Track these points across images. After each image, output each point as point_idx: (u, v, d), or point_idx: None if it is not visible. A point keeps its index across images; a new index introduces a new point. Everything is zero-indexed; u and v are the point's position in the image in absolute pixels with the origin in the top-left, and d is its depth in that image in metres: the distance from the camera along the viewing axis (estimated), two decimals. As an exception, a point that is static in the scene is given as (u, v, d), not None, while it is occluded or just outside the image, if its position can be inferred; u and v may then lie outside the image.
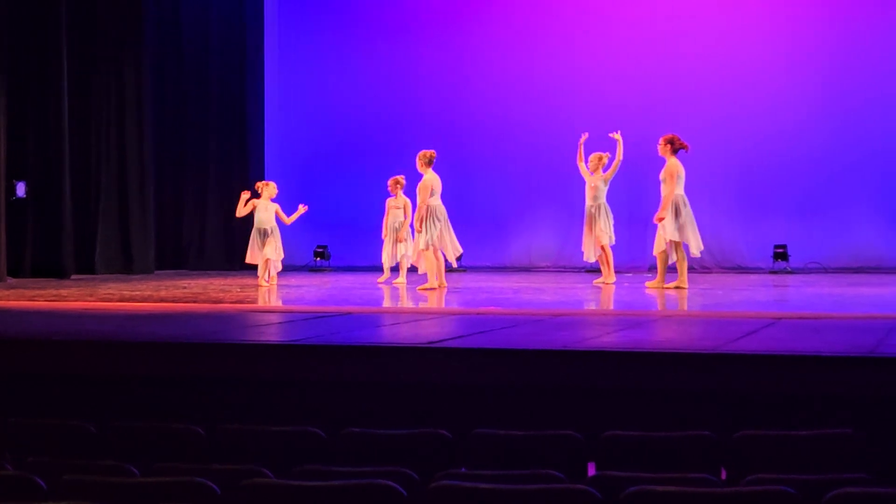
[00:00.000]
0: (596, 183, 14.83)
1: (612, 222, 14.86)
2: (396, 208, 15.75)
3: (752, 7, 18.36)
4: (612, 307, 12.14)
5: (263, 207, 15.26)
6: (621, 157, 14.69)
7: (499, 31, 19.15)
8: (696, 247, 13.78)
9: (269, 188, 15.42)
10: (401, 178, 15.80)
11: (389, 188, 15.80)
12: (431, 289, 13.98)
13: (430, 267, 14.15)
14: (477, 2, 19.39)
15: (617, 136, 14.70)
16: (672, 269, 13.93)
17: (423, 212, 14.12)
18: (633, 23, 18.59)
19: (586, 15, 18.83)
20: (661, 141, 14.03)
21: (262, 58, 19.83)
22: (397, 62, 19.48)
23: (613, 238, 14.93)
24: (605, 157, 14.94)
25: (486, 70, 19.16)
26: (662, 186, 13.84)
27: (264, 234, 15.20)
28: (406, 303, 12.81)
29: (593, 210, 14.80)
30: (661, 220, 13.76)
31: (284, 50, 19.99)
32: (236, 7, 19.75)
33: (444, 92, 19.28)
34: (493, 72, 19.13)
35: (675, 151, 13.90)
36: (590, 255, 15.02)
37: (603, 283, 14.83)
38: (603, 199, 14.83)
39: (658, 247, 13.90)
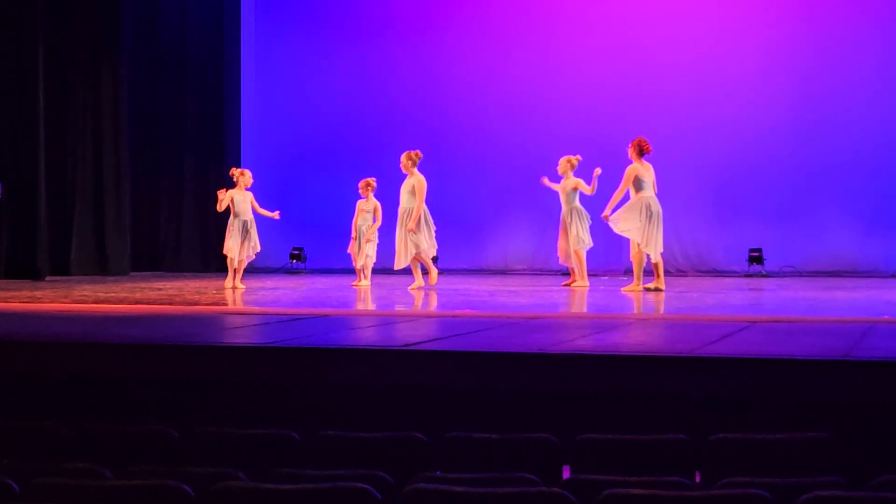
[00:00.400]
0: (565, 186, 14.94)
1: (587, 225, 14.91)
2: (366, 211, 15.59)
3: (728, 14, 18.41)
4: (587, 310, 12.15)
5: (241, 197, 14.91)
6: (593, 191, 14.74)
7: (475, 34, 19.16)
8: (653, 251, 13.87)
9: (244, 177, 15.03)
10: (372, 181, 15.65)
11: (360, 190, 15.67)
12: (421, 287, 14.18)
13: (427, 266, 14.52)
14: (453, 5, 19.39)
15: (597, 171, 14.73)
16: (648, 273, 14.00)
17: (422, 213, 14.29)
18: (610, 28, 18.62)
19: (562, 19, 18.86)
20: (629, 144, 14.17)
21: (238, 60, 19.80)
22: (373, 65, 19.47)
23: (590, 241, 14.98)
24: (575, 159, 15.02)
25: (462, 73, 19.17)
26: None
27: (244, 227, 14.88)
28: (382, 305, 12.81)
29: (566, 214, 14.89)
30: (604, 216, 14.01)
31: (261, 52, 19.96)
32: (213, 9, 19.71)
33: (419, 95, 19.29)
34: (469, 74, 19.14)
35: (640, 154, 14.05)
36: (564, 259, 15.11)
37: (572, 285, 14.90)
38: (576, 203, 14.89)
39: (633, 250, 14.00)
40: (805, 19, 18.17)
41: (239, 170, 15.29)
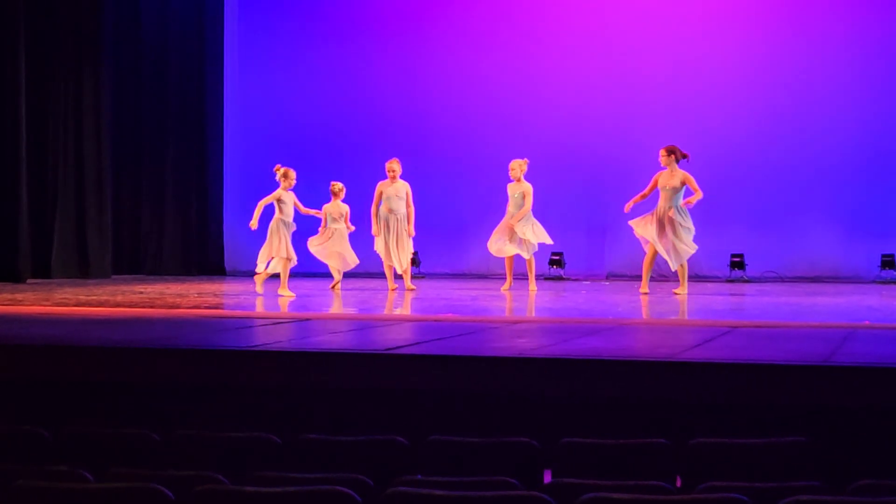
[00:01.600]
0: (515, 189, 15.26)
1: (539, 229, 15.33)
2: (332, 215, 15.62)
3: (711, 22, 18.43)
4: (569, 315, 12.16)
5: (289, 198, 14.39)
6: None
7: (457, 38, 19.15)
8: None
9: (289, 178, 14.41)
10: (338, 186, 15.61)
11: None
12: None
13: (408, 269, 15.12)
14: (435, 9, 19.38)
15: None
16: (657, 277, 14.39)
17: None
18: (593, 34, 18.62)
19: (545, 25, 18.86)
20: (662, 152, 14.58)
21: (221, 63, 19.74)
22: (356, 69, 19.44)
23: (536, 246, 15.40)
24: (525, 163, 15.22)
25: (444, 76, 19.16)
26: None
27: (289, 230, 14.38)
28: (364, 309, 12.81)
29: (519, 216, 15.21)
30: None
31: (243, 56, 19.92)
32: (195, 13, 19.65)
33: (403, 99, 19.27)
34: (452, 78, 19.13)
35: (677, 161, 14.50)
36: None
37: (506, 289, 15.26)
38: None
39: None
40: (787, 28, 18.21)
41: (284, 168, 14.62)
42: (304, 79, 19.58)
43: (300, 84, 19.59)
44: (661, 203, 14.28)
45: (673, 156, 14.46)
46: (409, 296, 14.26)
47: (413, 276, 17.81)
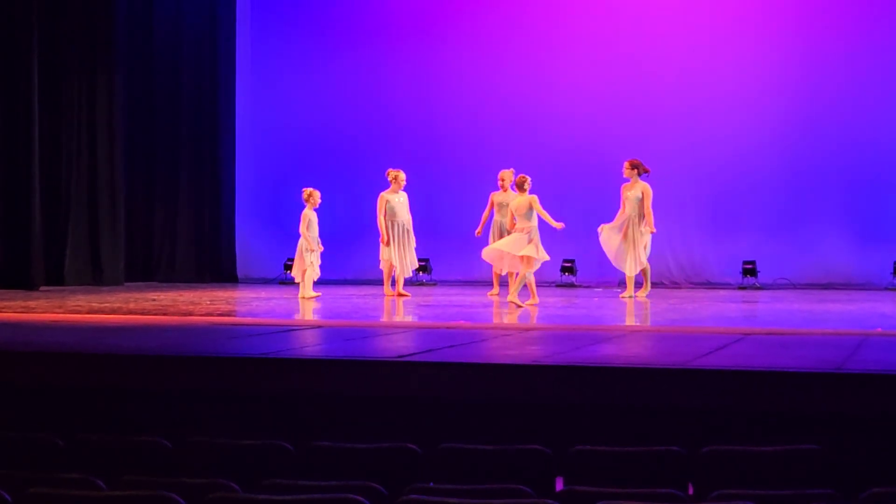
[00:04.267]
0: (521, 202, 15.38)
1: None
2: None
3: (719, 28, 18.43)
4: (581, 322, 12.15)
5: (398, 199, 15.29)
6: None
7: (470, 47, 19.16)
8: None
9: (397, 181, 15.26)
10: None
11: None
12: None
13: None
14: (448, 18, 19.40)
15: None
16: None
17: None
18: (604, 42, 18.63)
19: (558, 33, 18.86)
20: (626, 164, 15.06)
21: (233, 68, 19.78)
22: (368, 77, 19.46)
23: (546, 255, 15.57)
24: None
25: (456, 85, 19.17)
26: (643, 205, 14.82)
27: (404, 232, 15.28)
28: (375, 317, 12.83)
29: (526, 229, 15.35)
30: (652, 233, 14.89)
31: (256, 64, 19.96)
32: (208, 20, 19.69)
33: (415, 106, 19.28)
34: (463, 87, 19.14)
35: (639, 175, 14.99)
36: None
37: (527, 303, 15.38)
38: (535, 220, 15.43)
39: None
40: (799, 36, 18.19)
41: (394, 171, 15.43)
42: (317, 86, 19.61)
43: (312, 91, 19.62)
44: (627, 212, 14.89)
45: (636, 169, 14.95)
46: (401, 301, 14.54)
47: (424, 284, 17.96)
